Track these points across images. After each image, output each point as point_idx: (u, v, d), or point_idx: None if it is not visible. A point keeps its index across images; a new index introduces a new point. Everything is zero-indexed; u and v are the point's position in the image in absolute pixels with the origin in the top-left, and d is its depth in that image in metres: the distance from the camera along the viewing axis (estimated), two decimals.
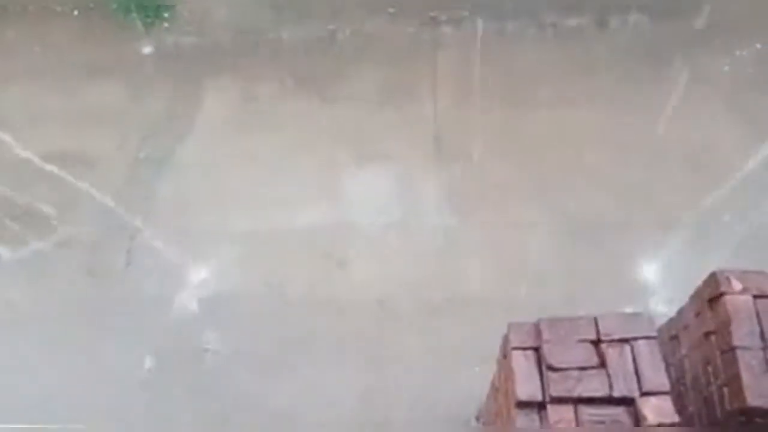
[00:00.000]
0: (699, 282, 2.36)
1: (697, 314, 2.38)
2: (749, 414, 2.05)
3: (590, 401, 2.12)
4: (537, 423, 2.17)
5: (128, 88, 4.99)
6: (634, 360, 2.17)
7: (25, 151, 4.68)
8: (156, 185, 4.48)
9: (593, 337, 2.24)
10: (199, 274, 4.08)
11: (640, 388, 2.11)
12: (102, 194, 4.46)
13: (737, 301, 2.14)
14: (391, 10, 5.14)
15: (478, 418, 3.37)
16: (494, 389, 2.77)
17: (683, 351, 2.53)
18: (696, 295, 2.40)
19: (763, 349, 2.07)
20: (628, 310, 2.32)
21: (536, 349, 2.26)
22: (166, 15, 5.32)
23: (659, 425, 2.03)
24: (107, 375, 3.68)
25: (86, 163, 4.61)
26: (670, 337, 2.63)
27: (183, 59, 5.13)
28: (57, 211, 4.40)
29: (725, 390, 2.15)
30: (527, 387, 2.19)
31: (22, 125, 4.81)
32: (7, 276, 4.16)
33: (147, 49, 5.21)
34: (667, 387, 2.12)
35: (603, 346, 2.21)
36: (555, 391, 2.14)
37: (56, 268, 4.14)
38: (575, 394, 2.12)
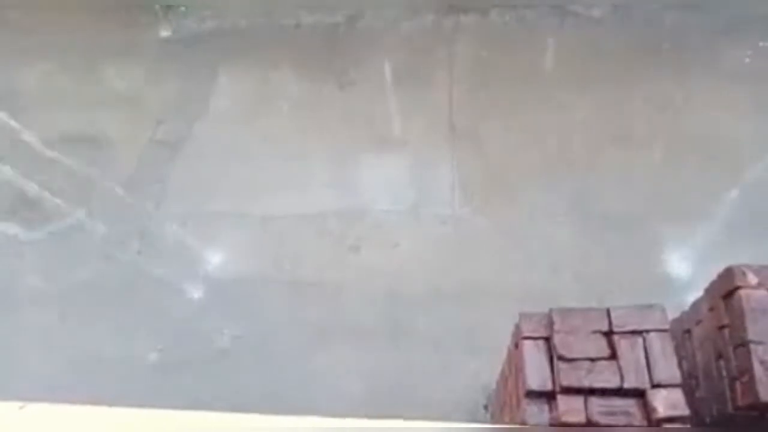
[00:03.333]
0: (713, 276, 2.34)
1: (711, 308, 2.36)
2: (761, 409, 2.03)
3: (600, 392, 2.11)
4: (546, 413, 2.17)
5: (144, 72, 5.01)
6: (646, 352, 2.15)
7: (40, 133, 4.73)
8: (170, 169, 4.51)
9: (605, 328, 2.22)
10: (212, 258, 4.11)
11: (651, 380, 2.10)
12: (116, 176, 4.50)
13: (753, 295, 2.11)
14: None
15: (486, 407, 3.38)
16: (504, 378, 2.77)
17: (696, 345, 2.51)
18: (710, 289, 2.38)
19: None
20: (643, 302, 2.30)
21: (547, 339, 2.26)
22: None
23: (669, 418, 2.03)
24: (118, 357, 3.73)
25: (101, 145, 4.65)
26: (683, 330, 2.61)
27: (200, 43, 5.13)
28: (71, 193, 4.44)
29: (737, 385, 2.13)
30: (537, 376, 2.18)
31: (36, 107, 4.86)
32: (22, 256, 4.21)
33: (164, 33, 5.22)
34: (678, 379, 2.10)
35: (615, 337, 2.20)
36: (565, 381, 2.13)
37: (70, 251, 4.19)
38: (585, 384, 2.12)
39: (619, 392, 2.11)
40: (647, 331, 2.20)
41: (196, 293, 3.98)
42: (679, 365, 2.16)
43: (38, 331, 3.86)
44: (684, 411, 2.04)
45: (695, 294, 2.51)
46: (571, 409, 2.10)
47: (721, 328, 2.24)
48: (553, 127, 4.42)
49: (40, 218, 4.36)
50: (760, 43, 4.65)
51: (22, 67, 5.10)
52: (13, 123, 4.82)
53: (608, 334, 2.22)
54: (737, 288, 2.14)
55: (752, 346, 2.05)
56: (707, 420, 2.35)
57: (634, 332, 2.20)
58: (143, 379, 3.64)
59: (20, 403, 2.21)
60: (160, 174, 4.50)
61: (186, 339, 3.80)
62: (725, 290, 2.21)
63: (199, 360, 3.72)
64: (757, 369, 2.02)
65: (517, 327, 2.38)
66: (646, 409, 2.07)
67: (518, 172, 4.27)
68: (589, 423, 2.08)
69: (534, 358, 2.23)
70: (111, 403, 2.28)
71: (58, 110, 4.84)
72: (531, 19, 4.98)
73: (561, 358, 2.17)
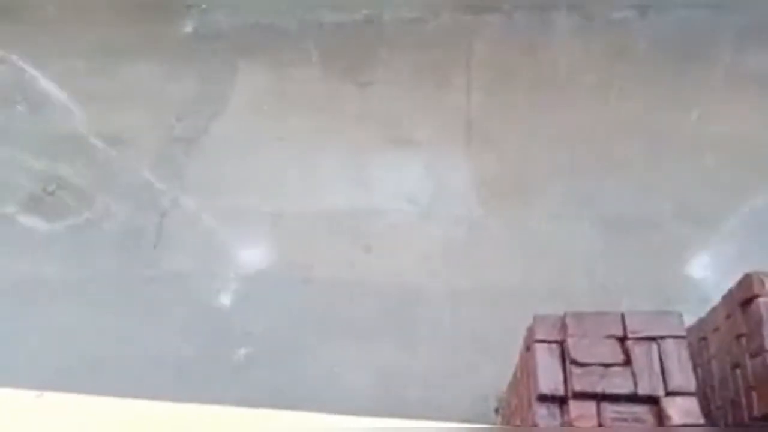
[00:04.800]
0: (731, 282, 2.30)
1: (728, 316, 2.33)
2: None
3: (614, 398, 2.09)
4: (558, 417, 2.15)
5: (165, 68, 5.05)
6: (661, 359, 2.12)
7: (61, 127, 4.79)
8: (188, 165, 4.55)
9: (620, 333, 2.20)
10: (227, 254, 4.14)
11: (665, 387, 2.07)
12: (135, 172, 4.55)
13: None
14: None
15: (497, 410, 3.36)
16: (515, 381, 2.75)
17: (712, 352, 2.48)
18: (728, 297, 2.35)
19: None
20: (659, 307, 2.27)
21: (560, 343, 2.23)
22: None
23: (683, 426, 2.00)
24: (135, 349, 3.76)
25: (121, 140, 4.70)
26: (699, 338, 2.58)
27: (220, 41, 5.16)
28: (91, 187, 4.50)
29: (753, 394, 2.10)
30: (550, 380, 2.17)
31: (58, 102, 4.92)
32: (42, 249, 4.27)
33: (185, 30, 5.27)
34: (693, 387, 2.07)
35: (629, 343, 2.17)
36: (578, 386, 2.11)
37: (89, 244, 4.24)
38: (598, 390, 2.10)
39: (633, 399, 2.08)
40: (663, 338, 2.17)
41: (210, 288, 4.00)
42: (695, 373, 2.13)
43: (56, 323, 3.91)
44: (698, 419, 2.01)
45: (713, 301, 2.48)
46: (583, 414, 2.08)
47: (739, 336, 2.21)
48: (572, 128, 4.38)
49: (59, 212, 4.41)
50: None
51: (45, 62, 5.17)
52: (34, 117, 4.89)
53: (622, 340, 2.19)
54: (755, 296, 2.11)
55: None
56: (722, 429, 2.32)
57: (649, 338, 2.17)
58: (158, 372, 3.67)
59: (37, 392, 2.24)
60: (178, 170, 4.53)
61: (199, 333, 3.83)
62: (743, 298, 2.18)
63: (212, 355, 3.75)
64: None
65: (531, 330, 2.36)
66: (660, 416, 2.05)
67: (534, 173, 4.24)
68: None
69: (547, 361, 2.21)
70: (126, 394, 2.32)
71: (79, 105, 4.90)
72: (552, 20, 4.93)
73: (574, 362, 2.15)
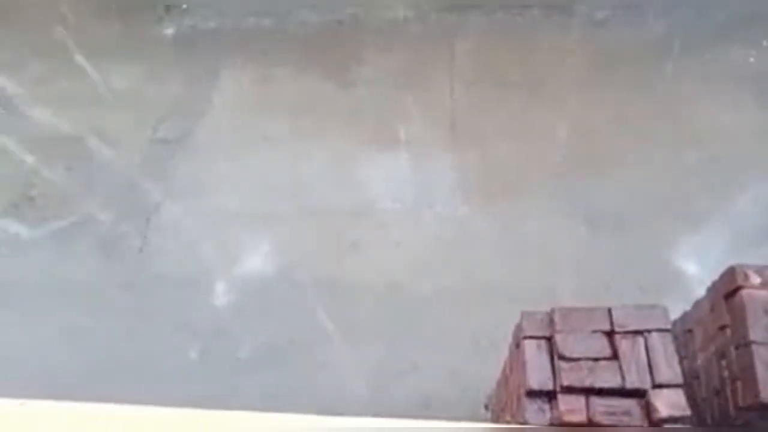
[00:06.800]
0: (715, 275, 2.33)
1: (713, 308, 2.35)
2: (763, 410, 2.03)
3: (602, 392, 2.11)
4: (547, 412, 2.16)
5: (146, 70, 5.01)
6: (648, 352, 2.15)
7: (43, 130, 4.73)
8: (172, 166, 4.51)
9: (607, 328, 2.22)
10: (213, 256, 4.11)
11: (652, 380, 2.10)
12: (118, 175, 4.50)
13: (755, 295, 2.10)
14: None
15: (487, 406, 3.38)
16: (505, 377, 2.77)
17: (697, 345, 2.51)
18: (712, 289, 2.37)
19: None
20: (645, 302, 2.30)
21: (549, 339, 2.25)
22: None
23: (670, 418, 2.02)
24: (121, 356, 3.73)
25: (103, 143, 4.65)
26: (684, 330, 2.61)
27: (202, 42, 5.13)
28: (73, 191, 4.44)
29: (739, 385, 2.13)
30: (538, 376, 2.18)
31: (39, 104, 4.86)
32: (24, 255, 4.21)
33: (166, 32, 5.22)
34: (679, 380, 2.10)
35: (616, 337, 2.19)
36: (566, 380, 2.13)
37: (72, 249, 4.19)
38: (587, 384, 2.12)
39: (621, 392, 2.10)
40: (648, 331, 2.19)
41: (196, 291, 3.97)
42: (681, 365, 2.16)
43: (39, 330, 3.86)
44: (685, 411, 2.04)
45: (697, 294, 2.51)
46: (572, 408, 2.10)
47: (723, 328, 2.24)
48: (556, 126, 4.42)
49: (42, 216, 4.35)
50: (765, 43, 4.65)
51: (25, 65, 5.10)
52: (15, 120, 4.82)
53: (610, 334, 2.21)
54: (739, 288, 2.13)
55: (754, 347, 2.05)
56: (708, 420, 2.35)
57: (635, 332, 2.20)
58: (147, 378, 3.63)
59: (20, 401, 2.21)
60: (161, 172, 4.49)
61: (187, 338, 3.80)
62: (727, 290, 2.21)
63: (201, 359, 3.72)
64: (759, 369, 2.01)
65: (519, 326, 2.38)
66: (648, 409, 2.07)
67: (519, 171, 4.27)
68: (590, 423, 2.07)
69: (535, 357, 2.22)
70: (110, 400, 2.29)
71: (61, 108, 4.84)
72: (535, 19, 4.97)
73: (562, 357, 2.17)
